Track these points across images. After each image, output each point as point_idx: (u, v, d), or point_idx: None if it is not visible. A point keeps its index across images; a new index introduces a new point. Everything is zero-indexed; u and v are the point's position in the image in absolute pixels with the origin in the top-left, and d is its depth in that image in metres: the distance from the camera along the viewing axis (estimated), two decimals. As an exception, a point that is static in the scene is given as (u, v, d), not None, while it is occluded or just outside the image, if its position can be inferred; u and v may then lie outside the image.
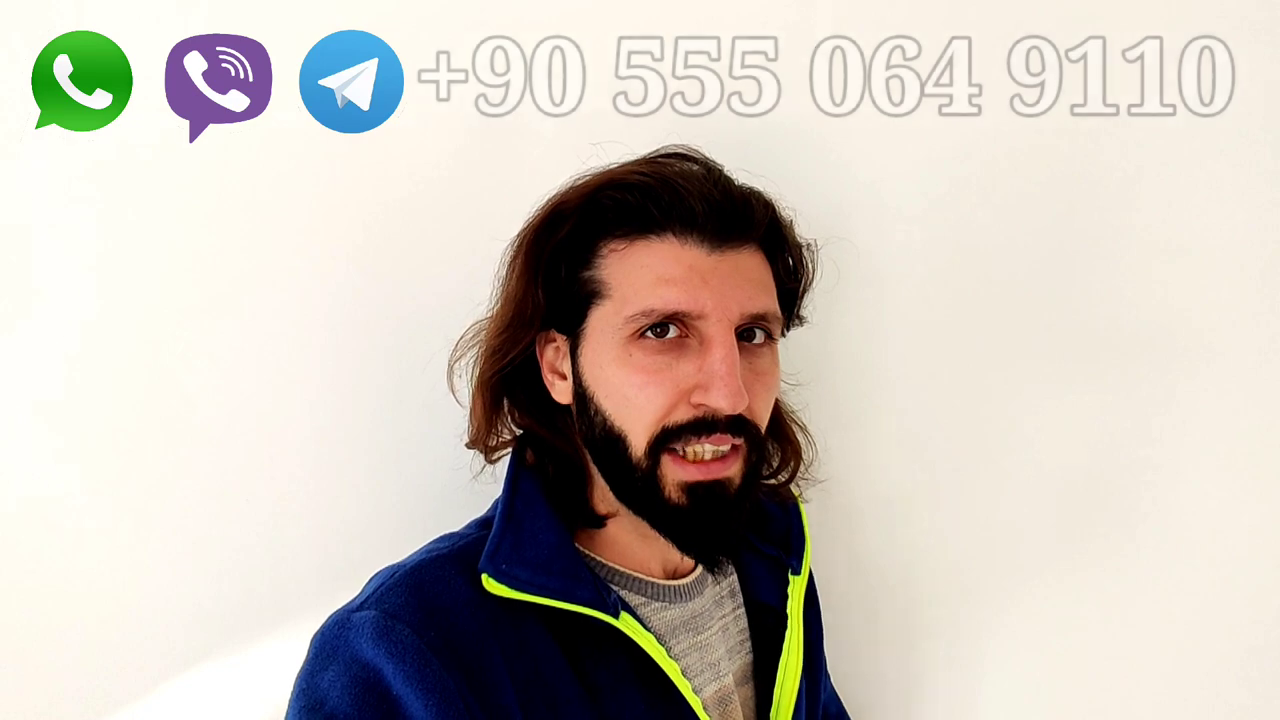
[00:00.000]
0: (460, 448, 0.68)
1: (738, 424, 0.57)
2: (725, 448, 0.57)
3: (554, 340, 0.62)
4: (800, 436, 0.71)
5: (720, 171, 0.62)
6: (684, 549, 0.59)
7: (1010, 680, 0.89)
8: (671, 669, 0.57)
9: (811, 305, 0.71)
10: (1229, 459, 0.87)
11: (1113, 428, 0.87)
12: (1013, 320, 0.86)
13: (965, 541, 0.87)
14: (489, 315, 0.65)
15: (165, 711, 0.77)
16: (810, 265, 0.68)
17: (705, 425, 0.56)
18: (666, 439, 0.56)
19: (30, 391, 0.75)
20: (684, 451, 0.57)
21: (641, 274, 0.57)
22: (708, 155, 0.63)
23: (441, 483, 0.75)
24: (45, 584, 0.75)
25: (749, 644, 0.67)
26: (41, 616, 0.76)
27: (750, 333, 0.59)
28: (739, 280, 0.58)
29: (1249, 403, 0.87)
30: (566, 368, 0.61)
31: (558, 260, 0.60)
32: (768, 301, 0.60)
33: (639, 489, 0.57)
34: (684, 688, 0.57)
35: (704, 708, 0.58)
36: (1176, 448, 0.87)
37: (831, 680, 0.81)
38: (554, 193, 0.62)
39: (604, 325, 0.58)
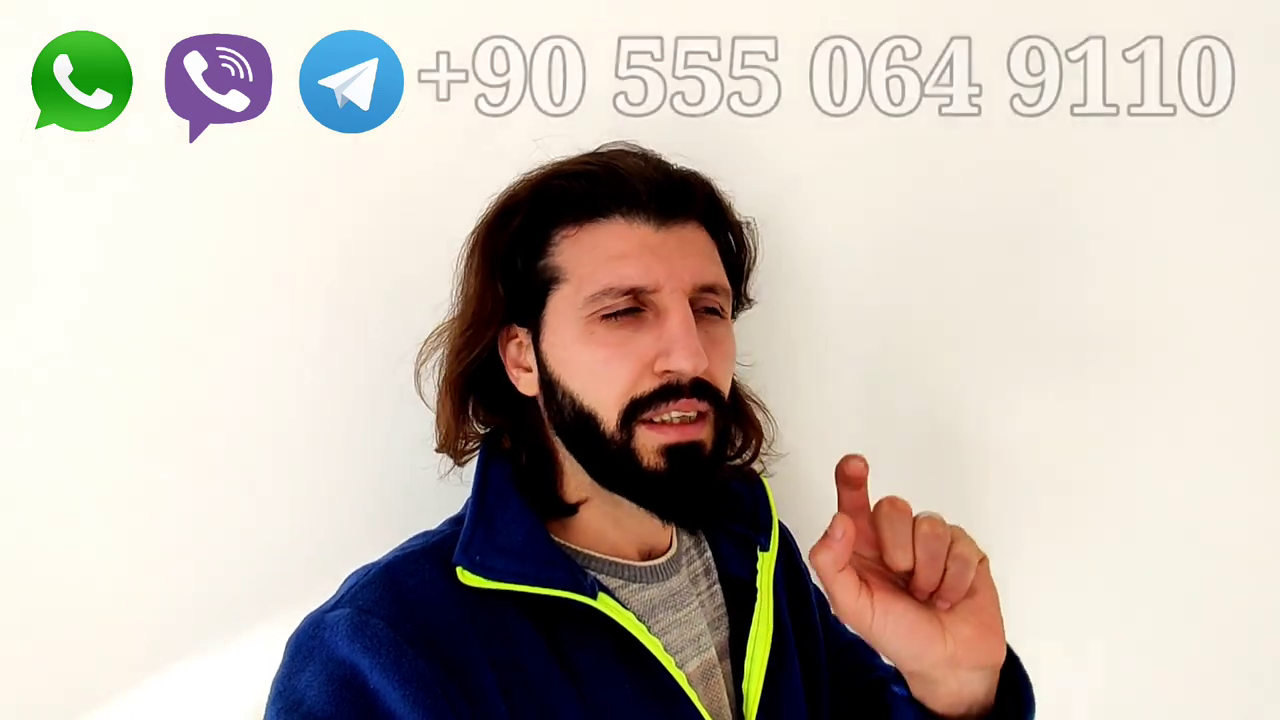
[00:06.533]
0: (431, 449, 0.68)
1: (701, 388, 0.58)
2: (693, 414, 0.58)
3: (515, 336, 0.64)
4: (760, 415, 0.72)
5: (658, 157, 0.64)
6: (665, 515, 0.59)
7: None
8: (654, 645, 0.57)
9: (807, 302, 0.71)
10: (1234, 458, 0.88)
11: (1087, 422, 0.87)
12: (1013, 319, 0.86)
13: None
14: (450, 317, 0.66)
15: (135, 712, 0.76)
16: (752, 243, 0.70)
17: (671, 391, 0.57)
18: (636, 410, 0.57)
19: (28, 390, 0.74)
20: (657, 420, 0.58)
21: (595, 254, 0.59)
22: (645, 147, 0.65)
23: (417, 483, 0.75)
24: (16, 579, 0.75)
25: (727, 619, 0.68)
26: (17, 614, 0.75)
27: (703, 305, 0.61)
28: (687, 252, 0.60)
29: (1246, 402, 0.87)
30: (530, 359, 0.62)
31: (513, 252, 0.62)
32: (717, 272, 0.62)
33: (616, 464, 0.58)
34: (667, 662, 0.57)
35: (689, 682, 0.59)
36: (1175, 443, 0.88)
37: None
38: (503, 191, 0.64)
39: (564, 308, 0.59)
